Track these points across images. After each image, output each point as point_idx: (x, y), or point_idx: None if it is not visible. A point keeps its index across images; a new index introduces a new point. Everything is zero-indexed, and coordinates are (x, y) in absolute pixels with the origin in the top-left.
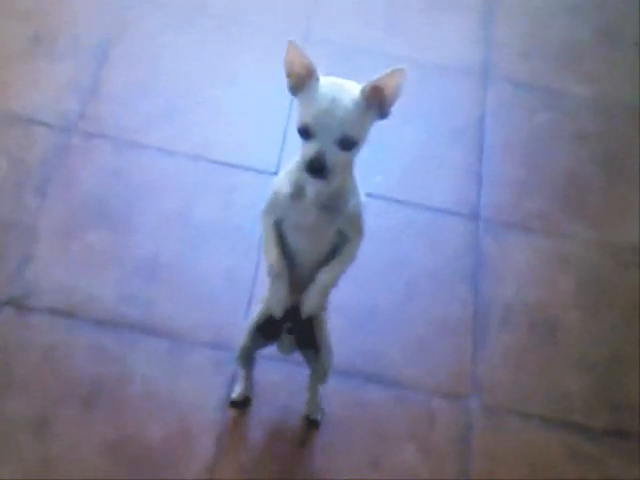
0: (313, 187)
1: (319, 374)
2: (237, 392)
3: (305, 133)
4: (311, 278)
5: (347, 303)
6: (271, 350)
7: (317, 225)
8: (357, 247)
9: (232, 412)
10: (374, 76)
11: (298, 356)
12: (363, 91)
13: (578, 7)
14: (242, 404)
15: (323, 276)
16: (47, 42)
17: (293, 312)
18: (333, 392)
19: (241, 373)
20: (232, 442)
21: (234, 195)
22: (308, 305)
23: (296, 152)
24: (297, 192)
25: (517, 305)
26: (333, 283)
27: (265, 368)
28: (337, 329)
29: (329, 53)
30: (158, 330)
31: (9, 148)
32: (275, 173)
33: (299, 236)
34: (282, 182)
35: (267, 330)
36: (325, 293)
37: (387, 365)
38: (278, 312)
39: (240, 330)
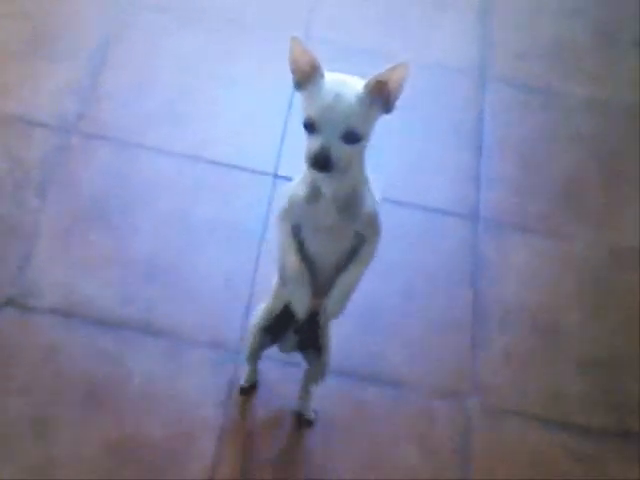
0: (327, 186)
1: (317, 374)
2: (245, 379)
3: (310, 127)
4: (330, 280)
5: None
6: (270, 350)
7: (336, 226)
8: (375, 247)
9: (232, 411)
10: (376, 72)
11: (297, 357)
12: (367, 86)
13: (576, 7)
14: (249, 390)
15: (343, 280)
16: (46, 43)
17: (310, 315)
18: (333, 392)
19: (247, 367)
20: (232, 442)
21: (233, 195)
22: (331, 310)
23: (295, 152)
24: (313, 194)
25: (516, 305)
26: (353, 286)
27: (264, 368)
28: (337, 329)
29: (328, 53)
30: (158, 330)
31: (9, 149)
32: (274, 174)
33: (318, 239)
34: (297, 187)
35: (274, 329)
36: (347, 297)
37: (387, 365)
38: (302, 315)
39: (239, 330)
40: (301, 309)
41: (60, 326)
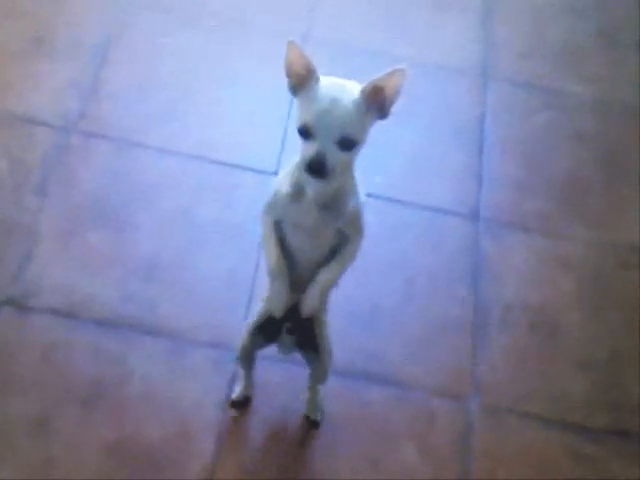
0: (313, 187)
1: (318, 374)
2: (237, 392)
3: (305, 133)
4: (311, 278)
5: (347, 303)
6: (270, 350)
7: (317, 225)
8: (357, 247)
9: (232, 412)
10: (374, 76)
11: (298, 356)
12: (363, 91)
13: (578, 7)
14: (242, 404)
15: (322, 276)
16: (47, 42)
17: (293, 312)
18: (333, 392)
19: (241, 373)
20: (232, 442)
21: (234, 195)
22: (307, 305)
23: (296, 152)
24: (296, 192)
25: (517, 305)
26: (332, 283)
27: (265, 368)
28: (337, 329)
29: (329, 53)
30: (158, 330)
31: (9, 148)
32: (275, 173)
33: (299, 236)
34: (282, 182)
35: (268, 330)
36: (324, 293)
37: (387, 365)
38: (278, 312)
39: (240, 330)
40: (278, 306)
41: (60, 326)
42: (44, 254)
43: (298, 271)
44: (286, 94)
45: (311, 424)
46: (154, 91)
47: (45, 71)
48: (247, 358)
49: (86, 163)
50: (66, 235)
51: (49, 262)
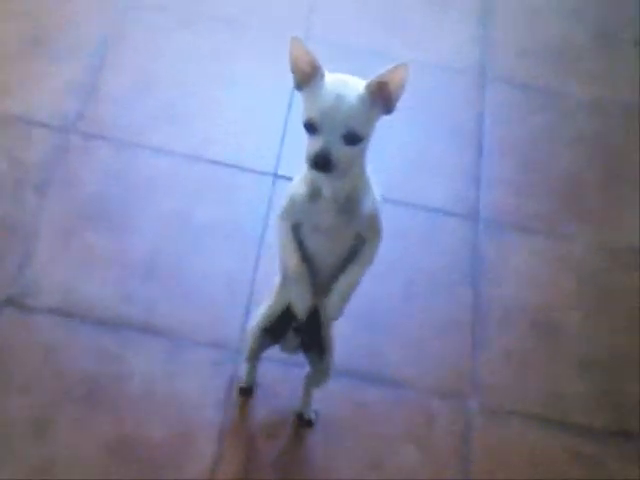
0: (326, 186)
1: (319, 376)
2: (244, 380)
3: (310, 128)
4: (330, 280)
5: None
6: (271, 351)
7: (335, 227)
8: (376, 249)
9: (232, 411)
10: (377, 73)
11: (297, 357)
12: (368, 87)
13: (576, 7)
14: (249, 391)
15: (343, 280)
16: (46, 43)
17: (310, 314)
18: (333, 392)
19: (246, 365)
20: (232, 442)
21: (233, 195)
22: (331, 310)
23: (295, 152)
24: (314, 193)
25: (516, 306)
26: (353, 287)
27: (265, 368)
28: (337, 329)
29: (328, 53)
30: (158, 330)
31: (9, 148)
32: (274, 173)
33: (318, 238)
34: (297, 186)
35: (275, 330)
36: (347, 297)
37: (387, 365)
38: (302, 314)
39: (239, 330)
40: (301, 308)
41: (60, 326)
42: (44, 254)
43: (317, 274)
44: (286, 94)
45: (306, 423)
46: (153, 91)
47: (44, 71)
48: (254, 359)
49: (85, 163)
50: (66, 235)
51: (49, 262)
